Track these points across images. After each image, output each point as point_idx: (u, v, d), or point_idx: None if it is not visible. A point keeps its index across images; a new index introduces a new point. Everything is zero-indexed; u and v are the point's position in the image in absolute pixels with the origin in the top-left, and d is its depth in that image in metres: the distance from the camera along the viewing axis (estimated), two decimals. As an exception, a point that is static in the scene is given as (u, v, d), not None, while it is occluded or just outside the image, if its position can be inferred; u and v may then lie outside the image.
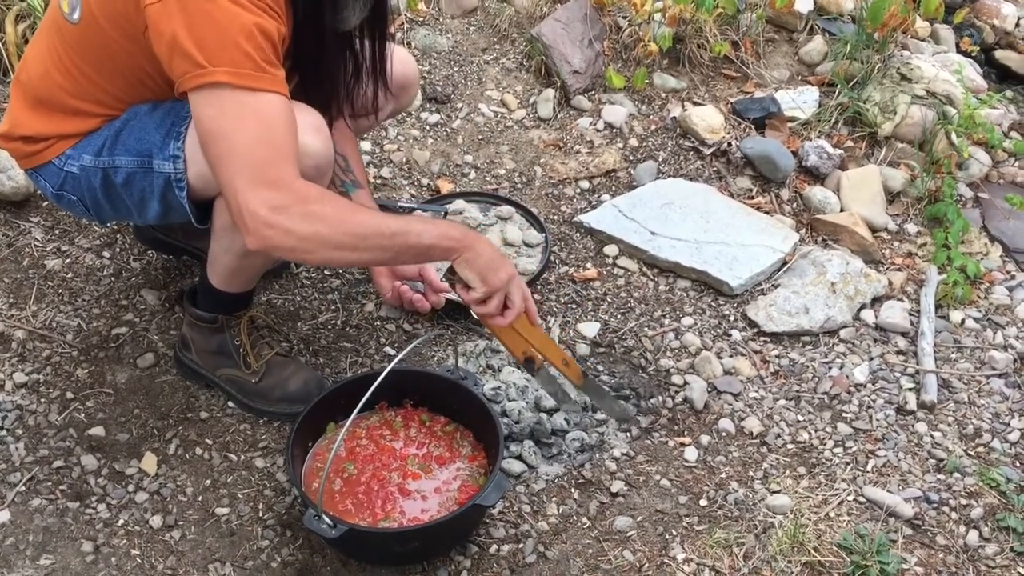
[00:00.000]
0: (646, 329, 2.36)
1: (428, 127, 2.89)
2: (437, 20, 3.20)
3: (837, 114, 2.97)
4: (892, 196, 2.83)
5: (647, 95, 3.05)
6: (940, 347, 2.38)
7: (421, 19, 3.18)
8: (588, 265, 2.54)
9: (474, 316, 2.10)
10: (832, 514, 1.96)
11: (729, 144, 2.87)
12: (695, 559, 1.86)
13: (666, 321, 2.39)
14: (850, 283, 2.47)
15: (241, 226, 1.57)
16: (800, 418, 2.18)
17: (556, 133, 2.93)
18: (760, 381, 2.26)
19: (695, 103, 3.03)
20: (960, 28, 3.54)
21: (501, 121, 2.95)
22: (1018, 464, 2.10)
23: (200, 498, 1.92)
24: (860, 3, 3.16)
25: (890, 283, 2.54)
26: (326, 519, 1.67)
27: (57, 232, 2.44)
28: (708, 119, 2.90)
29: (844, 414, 2.19)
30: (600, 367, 2.26)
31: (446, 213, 2.53)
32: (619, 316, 2.40)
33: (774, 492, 1.99)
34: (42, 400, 2.07)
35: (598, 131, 2.94)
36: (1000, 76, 3.54)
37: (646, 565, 1.85)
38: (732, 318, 2.42)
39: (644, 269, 2.54)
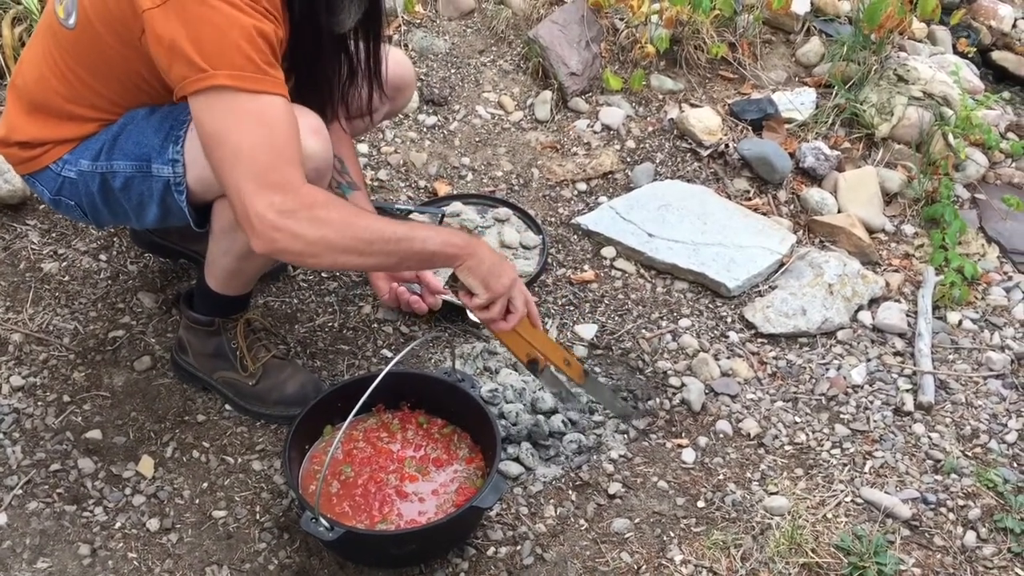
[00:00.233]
0: (643, 331, 2.36)
1: (425, 129, 2.89)
2: (434, 22, 3.20)
3: (834, 115, 2.97)
4: (889, 197, 2.83)
5: (644, 97, 3.05)
6: (937, 348, 2.38)
7: (418, 21, 3.18)
8: (585, 267, 2.54)
9: (472, 318, 2.10)
10: (830, 515, 1.96)
11: (726, 146, 2.87)
12: (693, 561, 1.86)
13: (663, 323, 2.39)
14: (847, 284, 2.47)
15: (248, 229, 1.57)
16: (797, 419, 2.18)
17: (553, 135, 2.93)
18: (757, 383, 2.26)
19: (692, 105, 3.03)
20: (957, 29, 3.54)
21: (498, 123, 2.94)
22: (1015, 465, 2.10)
23: (197, 501, 1.92)
24: (857, 4, 3.17)
25: (887, 284, 2.54)
26: (323, 522, 1.66)
27: (54, 235, 2.44)
28: (705, 121, 2.90)
29: (841, 415, 2.19)
30: (598, 369, 2.26)
31: (443, 215, 2.53)
32: (616, 318, 2.39)
33: (772, 493, 1.99)
34: (39, 403, 2.07)
35: (595, 133, 2.94)
36: (997, 77, 3.54)
37: (644, 567, 1.84)
38: (729, 320, 2.42)
39: (641, 271, 2.54)
